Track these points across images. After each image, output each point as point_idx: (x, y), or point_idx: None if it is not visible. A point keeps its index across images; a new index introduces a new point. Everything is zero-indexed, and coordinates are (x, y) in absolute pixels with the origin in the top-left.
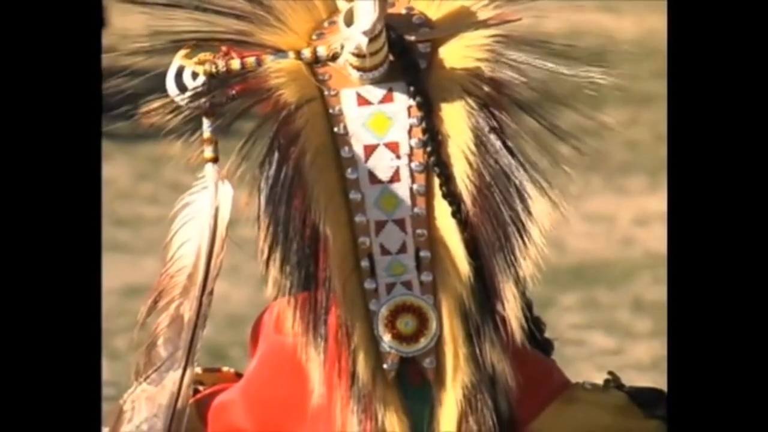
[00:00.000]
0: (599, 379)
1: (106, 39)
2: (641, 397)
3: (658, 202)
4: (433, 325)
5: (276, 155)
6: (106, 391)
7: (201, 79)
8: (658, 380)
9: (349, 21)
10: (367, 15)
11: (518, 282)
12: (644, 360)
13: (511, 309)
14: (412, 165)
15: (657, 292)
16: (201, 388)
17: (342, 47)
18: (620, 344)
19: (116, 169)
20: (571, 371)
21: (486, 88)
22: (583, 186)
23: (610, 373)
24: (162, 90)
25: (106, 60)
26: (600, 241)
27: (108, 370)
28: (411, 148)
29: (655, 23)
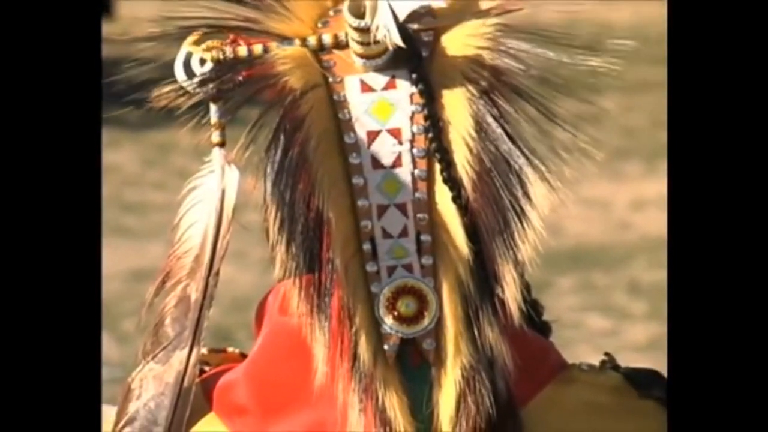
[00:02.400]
0: (596, 360)
1: (114, 26)
2: (637, 378)
3: (654, 187)
4: (434, 307)
5: (281, 140)
6: (113, 372)
7: (209, 65)
8: (654, 361)
9: (354, 11)
10: None
11: (517, 265)
12: (641, 341)
13: (510, 291)
14: (414, 151)
15: (653, 275)
16: (206, 368)
17: (346, 35)
18: (617, 326)
19: (124, 155)
20: (568, 353)
21: (486, 76)
22: (580, 171)
23: (607, 354)
24: (170, 77)
25: (114, 48)
26: (597, 225)
27: (115, 351)
28: (413, 134)
29: (652, 11)
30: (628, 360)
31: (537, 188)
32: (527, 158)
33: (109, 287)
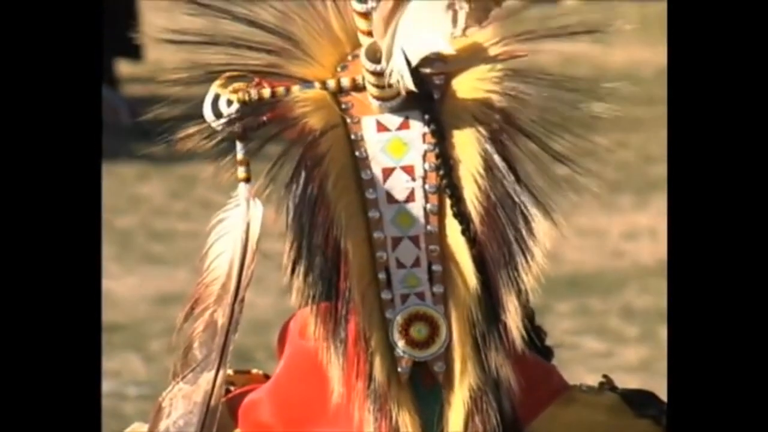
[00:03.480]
0: (591, 379)
1: (147, 70)
2: (632, 398)
3: (645, 218)
4: (444, 332)
5: (302, 176)
6: (142, 390)
7: (235, 106)
8: (645, 381)
9: (371, 56)
10: (446, 26)
11: (520, 294)
12: (633, 362)
13: (513, 319)
14: (426, 186)
15: (644, 300)
16: (232, 388)
17: (363, 78)
18: (611, 348)
19: (152, 187)
20: (565, 373)
21: (494, 117)
22: (578, 203)
23: (605, 376)
24: (198, 117)
25: (144, 88)
26: (592, 254)
27: (144, 370)
28: (425, 171)
29: (643, 54)
30: (620, 380)
31: (539, 224)
32: (531, 195)
33: (139, 309)
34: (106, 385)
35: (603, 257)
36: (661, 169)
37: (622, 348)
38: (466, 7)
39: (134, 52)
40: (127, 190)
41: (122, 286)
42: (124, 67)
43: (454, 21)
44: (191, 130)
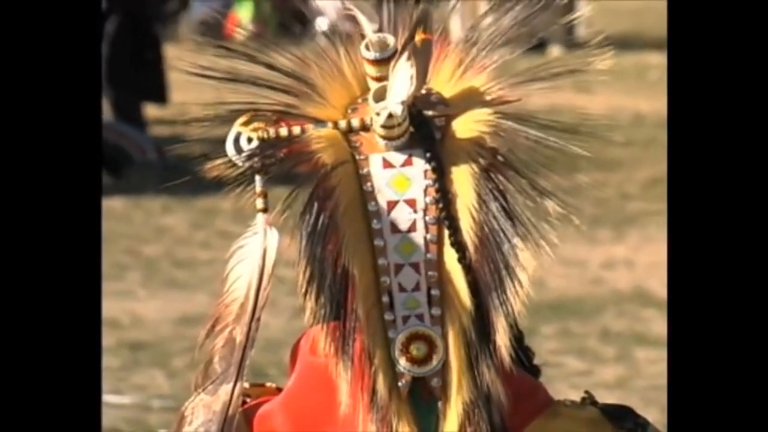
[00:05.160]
0: (573, 394)
1: (172, 112)
2: (611, 413)
3: (622, 250)
4: (441, 351)
5: (314, 207)
6: (165, 402)
7: (255, 143)
8: (621, 397)
9: (378, 98)
10: (403, 87)
11: (508, 317)
12: (610, 380)
13: (503, 339)
14: (427, 218)
15: (620, 324)
16: (248, 399)
17: (371, 119)
18: (590, 367)
19: (176, 218)
20: (549, 389)
21: (486, 156)
22: (562, 235)
23: (586, 392)
24: (221, 152)
25: (168, 128)
26: (574, 282)
27: (167, 385)
28: (426, 204)
29: (622, 101)
30: (599, 396)
31: (525, 253)
32: (519, 226)
33: (163, 330)
34: (133, 398)
35: (584, 285)
36: (636, 205)
37: (601, 367)
38: (415, 83)
39: (160, 97)
40: (152, 222)
41: (148, 309)
42: (151, 110)
43: (408, 89)
44: (218, 161)
